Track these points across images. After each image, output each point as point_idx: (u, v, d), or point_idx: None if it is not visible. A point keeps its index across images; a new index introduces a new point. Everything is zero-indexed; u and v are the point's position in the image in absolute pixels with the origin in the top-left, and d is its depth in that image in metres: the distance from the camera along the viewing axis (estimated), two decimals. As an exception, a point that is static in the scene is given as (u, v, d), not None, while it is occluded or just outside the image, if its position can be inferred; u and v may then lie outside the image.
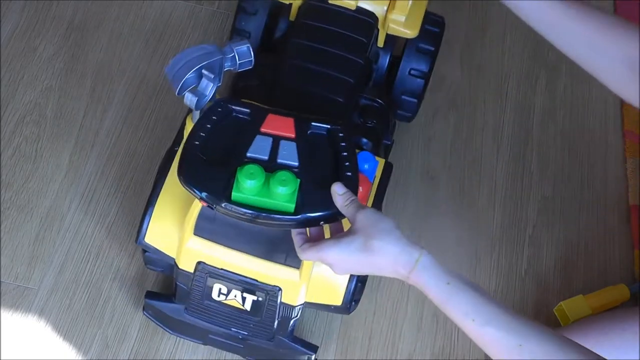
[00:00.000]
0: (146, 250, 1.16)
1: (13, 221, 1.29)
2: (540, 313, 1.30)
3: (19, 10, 1.49)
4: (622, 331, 1.15)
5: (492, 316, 0.88)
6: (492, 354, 0.89)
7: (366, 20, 1.28)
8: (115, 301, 1.24)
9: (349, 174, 1.02)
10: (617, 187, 1.43)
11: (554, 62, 1.57)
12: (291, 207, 0.98)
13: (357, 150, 1.09)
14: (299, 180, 0.99)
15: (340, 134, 1.06)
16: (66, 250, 1.27)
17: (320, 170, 1.02)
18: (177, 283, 1.15)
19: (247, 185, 0.97)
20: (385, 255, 0.93)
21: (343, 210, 0.97)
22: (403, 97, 1.37)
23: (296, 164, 1.02)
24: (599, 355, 0.86)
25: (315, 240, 1.00)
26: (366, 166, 1.13)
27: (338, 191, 0.98)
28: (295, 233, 1.01)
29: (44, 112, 1.39)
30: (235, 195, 0.98)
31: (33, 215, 1.30)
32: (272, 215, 0.98)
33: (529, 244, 1.36)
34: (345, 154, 1.04)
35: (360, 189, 1.07)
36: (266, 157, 1.01)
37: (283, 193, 0.98)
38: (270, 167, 1.00)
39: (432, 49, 1.35)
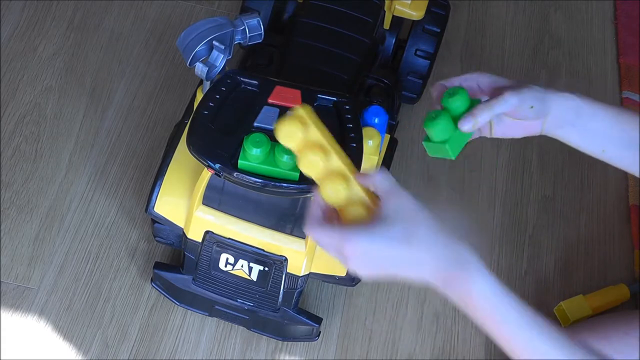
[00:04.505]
0: (155, 220, 1.17)
1: (13, 221, 1.29)
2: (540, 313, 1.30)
3: (19, 10, 1.49)
4: (625, 335, 1.14)
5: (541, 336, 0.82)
6: None
7: (373, 1, 1.30)
8: (115, 301, 1.24)
9: (354, 145, 1.03)
10: (617, 187, 1.43)
11: (554, 62, 1.56)
12: (296, 175, 1.00)
13: (367, 106, 1.10)
14: None
15: (346, 106, 1.07)
16: (66, 250, 1.27)
17: None
18: (185, 253, 1.16)
19: (253, 153, 0.99)
20: (429, 249, 0.78)
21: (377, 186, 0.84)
22: (409, 77, 1.39)
23: None
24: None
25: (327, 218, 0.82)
26: (376, 120, 1.13)
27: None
28: (315, 203, 0.85)
29: (44, 112, 1.39)
30: (241, 163, 1.00)
31: (33, 215, 1.30)
32: (280, 184, 0.99)
33: (529, 244, 1.36)
34: (350, 125, 1.05)
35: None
36: (273, 127, 1.02)
37: (288, 161, 0.99)
38: None
39: (438, 30, 1.38)
